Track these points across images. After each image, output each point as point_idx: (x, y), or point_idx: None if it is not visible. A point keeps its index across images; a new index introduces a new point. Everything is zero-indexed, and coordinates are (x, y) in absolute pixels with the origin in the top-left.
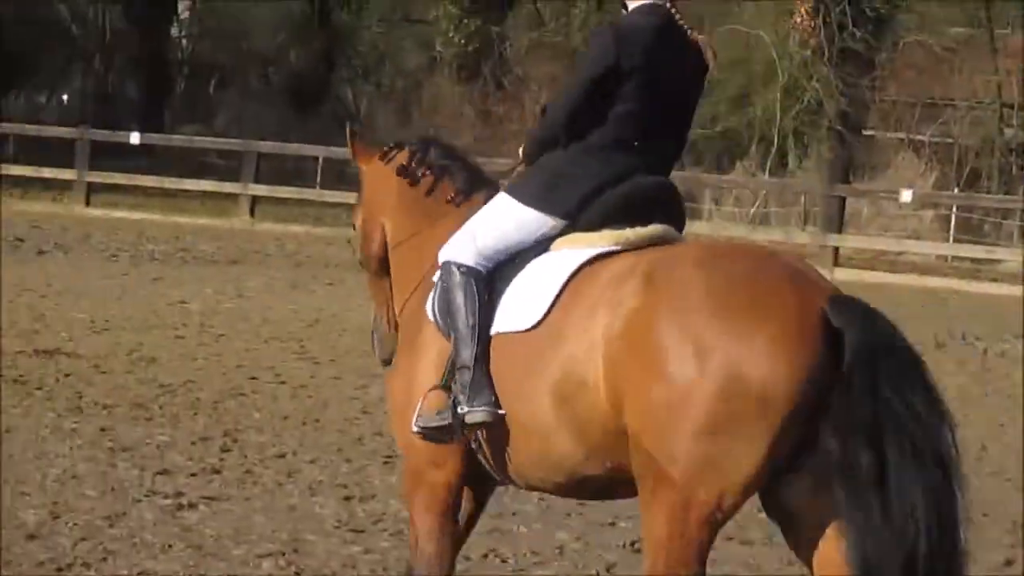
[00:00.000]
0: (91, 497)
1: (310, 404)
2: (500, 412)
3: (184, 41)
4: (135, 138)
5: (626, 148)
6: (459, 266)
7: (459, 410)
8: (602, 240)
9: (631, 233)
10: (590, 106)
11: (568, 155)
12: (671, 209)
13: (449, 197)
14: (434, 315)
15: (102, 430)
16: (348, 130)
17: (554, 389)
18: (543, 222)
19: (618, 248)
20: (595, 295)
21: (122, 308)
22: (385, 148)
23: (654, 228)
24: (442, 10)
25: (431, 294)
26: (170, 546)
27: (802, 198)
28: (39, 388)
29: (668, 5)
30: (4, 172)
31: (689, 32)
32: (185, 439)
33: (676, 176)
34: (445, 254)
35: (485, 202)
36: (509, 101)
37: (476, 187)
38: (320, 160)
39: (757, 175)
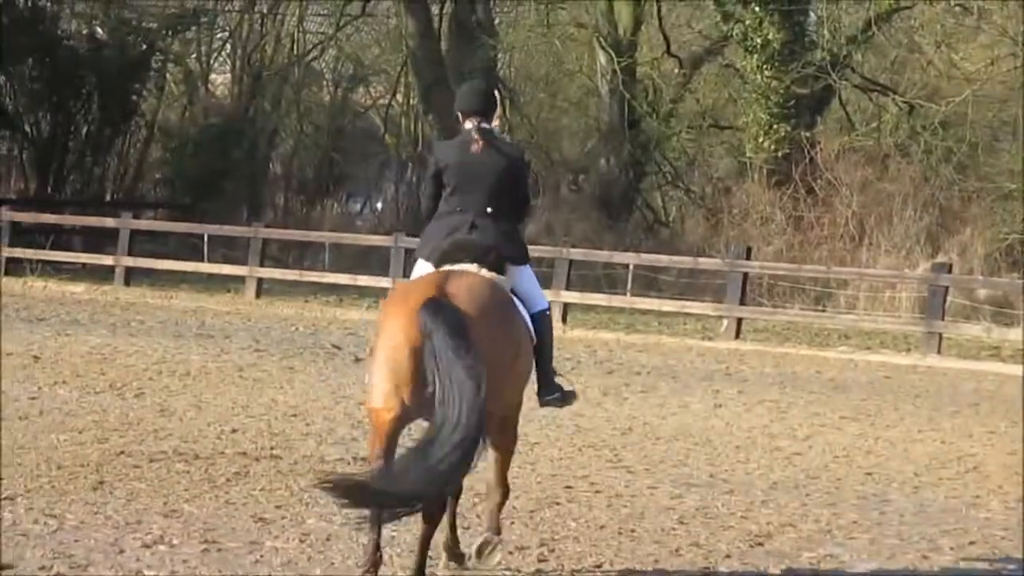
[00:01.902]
0: None
1: (625, 513)
2: None
3: None
4: None
5: (457, 218)
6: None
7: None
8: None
9: (440, 268)
10: (432, 194)
11: (429, 226)
12: (476, 250)
13: None
14: None
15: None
16: None
17: None
18: (424, 266)
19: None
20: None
21: None
22: None
23: (457, 267)
24: (752, 116)
25: None
26: None
27: None
28: None
29: (473, 129)
30: (321, 280)
31: (491, 141)
32: (505, 547)
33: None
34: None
35: None
36: (820, 206)
37: None
38: (631, 267)
39: None
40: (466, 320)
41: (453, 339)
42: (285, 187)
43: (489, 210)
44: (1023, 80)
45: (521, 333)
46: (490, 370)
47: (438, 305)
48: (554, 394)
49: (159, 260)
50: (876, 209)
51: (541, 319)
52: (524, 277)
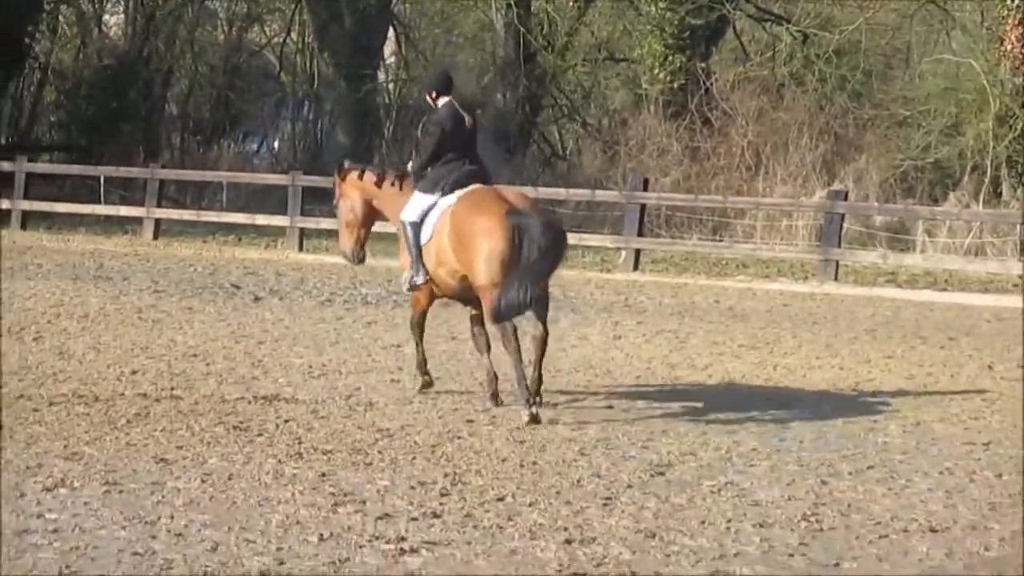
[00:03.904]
0: (313, 543)
1: (527, 446)
2: (427, 278)
3: (391, 85)
4: None
5: (454, 161)
6: (409, 222)
7: (413, 279)
8: (452, 198)
9: (461, 192)
10: (436, 151)
11: (434, 170)
12: (479, 177)
13: (397, 185)
14: (402, 239)
15: (322, 475)
16: (337, 167)
17: (438, 258)
18: (432, 196)
19: (453, 199)
20: (442, 215)
21: (338, 353)
22: (360, 170)
23: (471, 187)
24: (647, 47)
25: (398, 230)
26: None
27: (1017, 228)
28: (259, 434)
29: (457, 107)
30: (219, 219)
31: (462, 111)
32: (405, 483)
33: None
34: (403, 216)
35: (408, 186)
36: (716, 136)
37: (404, 180)
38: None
39: (971, 205)
40: (533, 210)
41: (539, 219)
42: (181, 127)
43: (472, 158)
44: (915, 7)
45: None
46: None
47: (516, 210)
48: None
49: (56, 203)
50: (772, 138)
51: None
52: None
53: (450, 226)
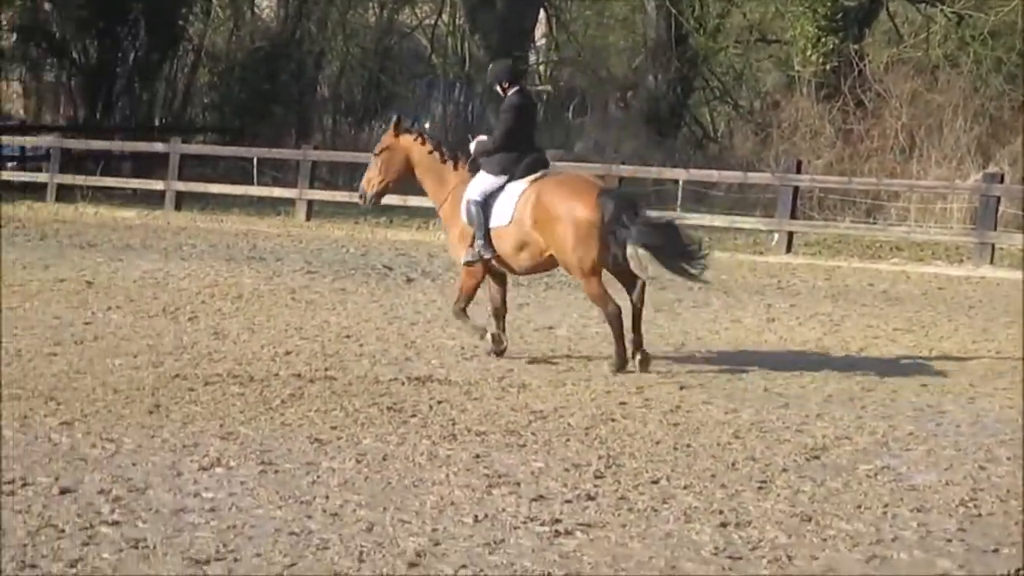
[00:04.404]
0: (468, 524)
1: (681, 429)
2: (494, 253)
3: (542, 67)
4: None
5: (522, 148)
6: (474, 201)
7: (481, 253)
8: (524, 182)
9: (532, 176)
10: (508, 136)
11: (503, 155)
12: (543, 164)
13: (451, 162)
14: (467, 217)
15: (476, 457)
16: (395, 121)
17: (520, 240)
18: (499, 179)
19: (525, 184)
20: (526, 200)
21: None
22: (419, 133)
23: (541, 173)
24: (799, 29)
25: (462, 207)
26: (549, 574)
27: None
28: (413, 415)
29: (526, 93)
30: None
31: (533, 95)
32: (559, 465)
33: None
34: (468, 195)
35: (461, 164)
36: (870, 119)
37: (457, 157)
38: (680, 183)
39: None
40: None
41: (627, 201)
42: (333, 109)
43: (535, 145)
44: None
45: None
46: None
47: (605, 188)
48: None
49: (209, 184)
50: (926, 121)
51: None
52: None
53: (540, 209)
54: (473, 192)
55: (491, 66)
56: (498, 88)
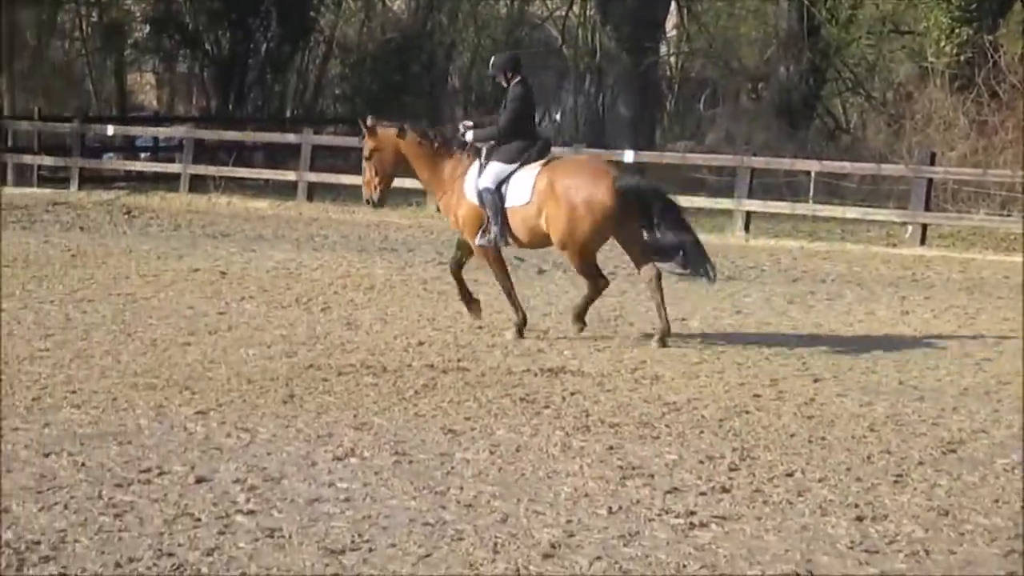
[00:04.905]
0: (603, 516)
1: (815, 421)
2: (508, 242)
3: (673, 59)
4: (629, 156)
5: (529, 136)
6: (488, 189)
7: (496, 240)
8: (536, 166)
9: (543, 160)
10: (515, 124)
11: (512, 143)
12: (548, 149)
13: (444, 150)
14: (479, 200)
15: (610, 448)
16: (366, 125)
17: (528, 221)
18: (510, 166)
19: (538, 167)
20: (538, 183)
21: (622, 326)
22: (399, 127)
23: (549, 157)
24: (932, 20)
25: (473, 189)
26: (684, 566)
27: None
28: (546, 407)
29: (524, 79)
30: None
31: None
32: (693, 457)
33: None
34: (481, 184)
35: (460, 154)
36: (1005, 110)
37: (457, 146)
38: (813, 174)
39: None
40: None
41: (641, 181)
42: (464, 100)
43: (536, 132)
44: None
45: None
46: None
47: (619, 169)
48: None
49: (341, 175)
50: None
51: None
52: None
53: (559, 189)
54: (487, 180)
55: (494, 57)
56: (500, 78)
